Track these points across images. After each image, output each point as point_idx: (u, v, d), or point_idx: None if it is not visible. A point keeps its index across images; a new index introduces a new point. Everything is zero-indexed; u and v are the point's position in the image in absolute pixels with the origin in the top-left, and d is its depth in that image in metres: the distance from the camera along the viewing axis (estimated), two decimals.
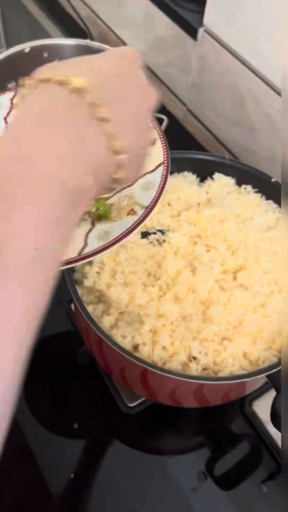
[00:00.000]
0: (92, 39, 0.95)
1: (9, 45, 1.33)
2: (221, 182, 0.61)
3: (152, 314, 0.49)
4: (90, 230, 0.42)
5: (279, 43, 0.63)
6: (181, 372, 0.45)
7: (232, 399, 0.53)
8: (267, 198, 0.60)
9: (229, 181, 0.62)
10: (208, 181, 0.62)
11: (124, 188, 0.32)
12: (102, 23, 1.07)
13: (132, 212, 0.43)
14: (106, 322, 0.49)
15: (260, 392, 0.61)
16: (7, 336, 0.22)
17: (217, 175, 0.62)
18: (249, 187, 0.61)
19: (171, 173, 0.63)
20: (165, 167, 0.44)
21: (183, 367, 0.47)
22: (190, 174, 0.63)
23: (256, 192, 0.61)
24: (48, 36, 1.12)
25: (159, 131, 0.48)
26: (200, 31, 0.77)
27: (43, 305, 0.25)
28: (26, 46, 0.79)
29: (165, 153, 0.46)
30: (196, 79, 0.83)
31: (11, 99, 0.50)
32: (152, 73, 0.96)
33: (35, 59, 0.82)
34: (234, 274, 0.53)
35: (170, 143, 0.89)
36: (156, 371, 0.43)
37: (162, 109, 0.96)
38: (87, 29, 0.95)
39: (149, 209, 0.42)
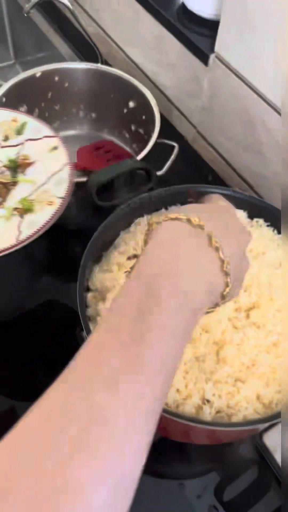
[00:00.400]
0: (101, 57, 0.95)
1: (17, 58, 1.33)
2: None
3: None
4: (20, 222, 0.54)
5: None
6: (194, 418, 0.45)
7: (245, 437, 0.54)
8: (279, 232, 0.60)
9: (241, 214, 0.62)
10: None
11: None
12: (111, 40, 1.07)
13: (51, 203, 0.55)
14: None
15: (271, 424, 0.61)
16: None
17: None
18: (261, 221, 0.61)
19: (182, 205, 0.63)
20: (69, 166, 0.59)
21: (197, 410, 0.47)
22: None
23: (268, 226, 0.61)
24: (56, 51, 1.12)
25: (59, 138, 0.63)
26: (211, 57, 0.77)
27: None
28: (37, 71, 0.79)
29: (67, 156, 0.61)
30: (206, 103, 0.84)
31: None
32: (162, 94, 0.96)
33: (46, 82, 0.82)
34: (247, 312, 0.53)
35: (179, 164, 0.89)
36: (169, 416, 0.43)
37: (173, 132, 0.96)
38: (96, 48, 0.95)
39: (64, 199, 0.55)
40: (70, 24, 1.12)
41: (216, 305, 0.37)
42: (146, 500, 0.58)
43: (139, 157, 0.69)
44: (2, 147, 0.62)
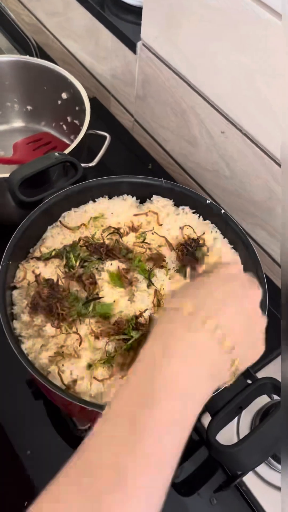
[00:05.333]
0: (34, 48, 0.93)
1: None
2: (160, 204, 0.62)
3: (89, 347, 0.49)
4: None
5: (211, 60, 0.63)
6: None
7: None
8: (204, 219, 0.61)
9: (167, 202, 0.62)
10: (148, 203, 0.63)
11: None
12: (47, 30, 1.05)
13: None
14: (44, 357, 0.50)
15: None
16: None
17: (155, 197, 0.62)
18: (187, 208, 0.62)
19: (110, 197, 0.63)
20: None
21: None
22: (130, 196, 0.63)
23: (194, 213, 0.61)
24: None
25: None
26: (139, 44, 0.76)
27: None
28: None
29: None
30: (140, 91, 0.83)
31: None
32: (100, 84, 0.95)
33: None
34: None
35: (119, 153, 0.89)
36: (92, 408, 0.44)
37: (113, 122, 0.95)
38: (28, 39, 0.93)
39: None
40: (4, 14, 1.10)
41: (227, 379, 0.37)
42: None
43: (69, 149, 0.68)
44: None
